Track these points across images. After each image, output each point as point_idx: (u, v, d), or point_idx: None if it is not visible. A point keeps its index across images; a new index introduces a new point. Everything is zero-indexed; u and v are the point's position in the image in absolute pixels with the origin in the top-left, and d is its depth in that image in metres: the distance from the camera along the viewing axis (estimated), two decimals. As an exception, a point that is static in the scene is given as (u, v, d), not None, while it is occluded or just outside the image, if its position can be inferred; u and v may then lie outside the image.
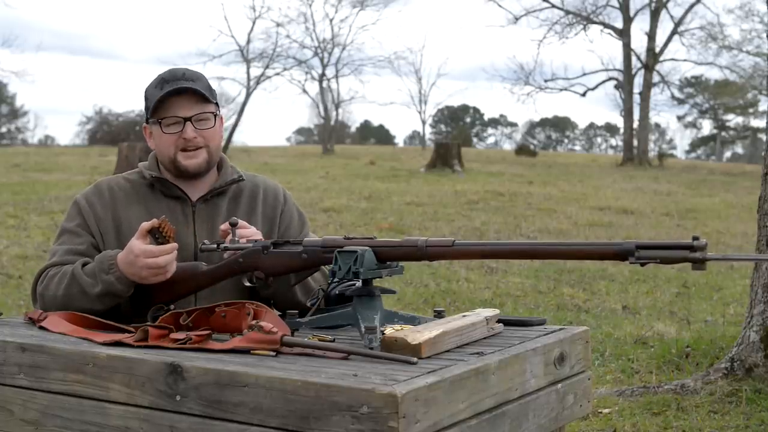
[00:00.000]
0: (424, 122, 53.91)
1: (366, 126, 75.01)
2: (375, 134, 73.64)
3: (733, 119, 53.77)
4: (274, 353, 1.72)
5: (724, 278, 8.02)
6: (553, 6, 32.75)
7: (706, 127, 62.32)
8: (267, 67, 35.79)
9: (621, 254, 1.72)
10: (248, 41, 35.58)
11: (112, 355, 1.74)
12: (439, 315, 2.00)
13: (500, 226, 11.60)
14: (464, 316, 1.92)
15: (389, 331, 1.77)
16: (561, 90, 35.07)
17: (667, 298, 7.10)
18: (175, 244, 2.08)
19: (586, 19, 32.91)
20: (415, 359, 1.62)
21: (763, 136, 7.59)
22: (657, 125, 65.08)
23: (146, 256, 2.04)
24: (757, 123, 50.99)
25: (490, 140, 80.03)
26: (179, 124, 2.25)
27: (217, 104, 2.33)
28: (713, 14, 55.89)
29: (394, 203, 13.89)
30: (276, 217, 2.39)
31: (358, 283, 1.94)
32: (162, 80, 2.27)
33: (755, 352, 4.15)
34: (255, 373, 1.56)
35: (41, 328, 2.04)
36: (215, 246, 2.11)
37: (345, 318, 1.91)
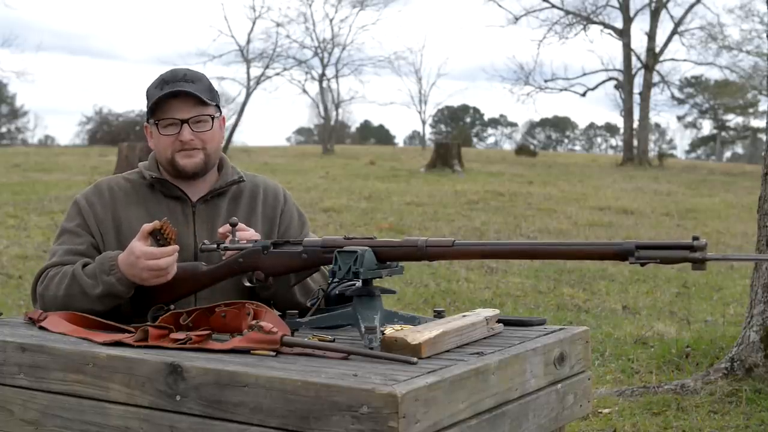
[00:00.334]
0: (424, 122, 53.97)
1: (366, 126, 75.02)
2: (375, 134, 73.64)
3: (733, 119, 53.83)
4: (274, 353, 1.72)
5: (724, 278, 8.02)
6: (553, 6, 32.76)
7: (706, 127, 62.38)
8: (267, 67, 35.83)
9: (621, 254, 1.72)
10: (248, 41, 35.61)
11: (112, 355, 1.74)
12: (439, 315, 2.00)
13: (500, 226, 11.60)
14: (464, 316, 1.92)
15: (389, 331, 1.77)
16: (561, 90, 35.09)
17: (667, 298, 7.10)
18: (176, 246, 2.08)
19: (586, 19, 32.91)
20: (415, 359, 1.62)
21: (763, 136, 7.59)
22: (657, 125, 65.15)
23: (147, 257, 2.04)
24: (757, 123, 51.05)
25: (490, 140, 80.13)
26: (176, 125, 2.25)
27: (218, 105, 2.33)
28: (713, 14, 56.04)
29: (394, 203, 13.89)
30: (276, 218, 2.39)
31: (358, 283, 1.94)
32: (162, 81, 2.26)
33: (755, 352, 4.15)
34: (255, 373, 1.56)
35: (41, 328, 2.04)
36: (215, 246, 2.11)
37: (345, 318, 1.91)
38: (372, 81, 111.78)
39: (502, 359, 1.71)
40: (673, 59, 35.00)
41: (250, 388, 1.56)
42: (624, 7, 31.84)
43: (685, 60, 48.55)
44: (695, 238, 1.67)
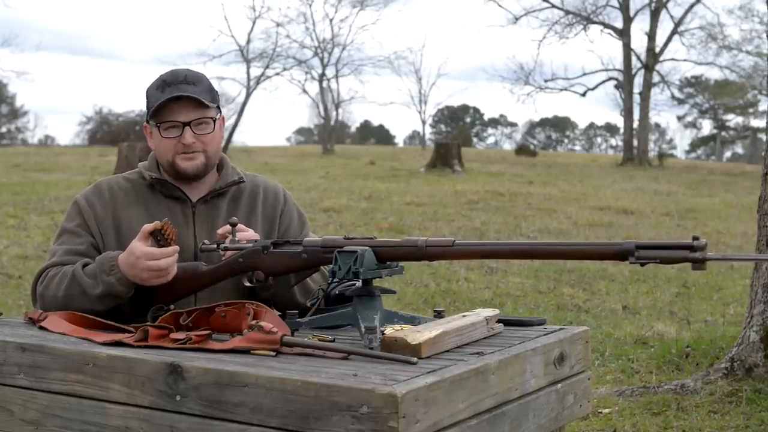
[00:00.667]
0: (424, 122, 53.99)
1: (366, 126, 75.02)
2: (375, 134, 73.64)
3: (733, 119, 53.81)
4: (274, 353, 1.72)
5: (724, 278, 8.02)
6: (553, 6, 32.76)
7: (706, 127, 62.37)
8: (267, 67, 35.83)
9: (621, 254, 1.72)
10: (248, 41, 35.63)
11: (112, 355, 1.74)
12: (439, 315, 2.00)
13: (500, 226, 11.60)
14: (464, 316, 1.92)
15: (389, 331, 1.77)
16: (561, 90, 35.10)
17: (667, 298, 7.10)
18: (176, 247, 2.08)
19: (586, 19, 32.91)
20: (415, 359, 1.62)
21: (763, 136, 7.59)
22: (657, 125, 65.16)
23: (147, 258, 2.04)
24: (757, 123, 51.02)
25: (490, 140, 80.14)
26: (178, 128, 2.25)
27: (218, 106, 2.33)
28: (713, 14, 56.00)
29: (394, 203, 13.89)
30: (276, 218, 2.39)
31: (358, 283, 1.94)
32: (163, 82, 2.26)
33: (755, 352, 4.15)
34: (255, 373, 1.56)
35: (41, 328, 2.04)
36: (215, 246, 2.11)
37: (345, 318, 1.91)
38: (372, 81, 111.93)
39: (502, 359, 1.71)
40: (673, 59, 35.06)
41: (250, 388, 1.56)
42: (624, 7, 31.84)
43: (685, 60, 48.57)
44: (695, 238, 1.67)
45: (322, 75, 40.66)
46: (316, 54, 39.54)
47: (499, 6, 44.31)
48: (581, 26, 33.10)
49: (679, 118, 56.10)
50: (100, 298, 2.11)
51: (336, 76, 41.70)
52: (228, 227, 2.13)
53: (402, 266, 1.94)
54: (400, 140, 78.02)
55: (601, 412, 3.93)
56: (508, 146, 70.31)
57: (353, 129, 68.96)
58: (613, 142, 75.93)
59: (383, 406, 1.43)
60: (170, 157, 2.27)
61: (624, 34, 31.96)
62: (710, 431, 3.68)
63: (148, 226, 2.07)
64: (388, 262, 1.91)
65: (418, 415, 1.46)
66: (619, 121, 47.19)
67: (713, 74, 64.87)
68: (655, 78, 33.18)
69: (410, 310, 5.72)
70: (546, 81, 34.89)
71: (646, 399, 4.07)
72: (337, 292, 2.17)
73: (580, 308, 6.68)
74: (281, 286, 2.13)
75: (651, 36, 32.10)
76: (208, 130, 2.28)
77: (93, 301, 2.11)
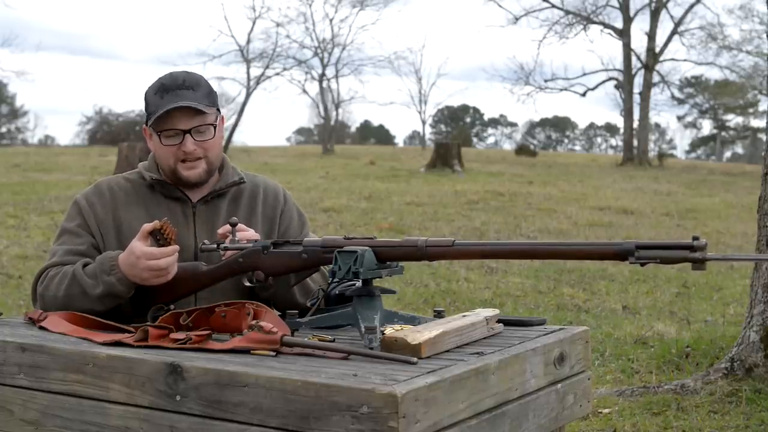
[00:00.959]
0: (424, 122, 54.00)
1: (366, 126, 75.02)
2: (375, 134, 73.64)
3: (733, 119, 53.84)
4: (274, 353, 1.72)
5: (724, 278, 8.02)
6: (553, 6, 32.77)
7: (706, 127, 62.38)
8: (267, 67, 35.83)
9: (621, 254, 1.72)
10: (248, 41, 35.63)
11: (112, 355, 1.74)
12: (439, 315, 2.00)
13: (500, 226, 11.60)
14: (464, 316, 1.92)
15: (389, 331, 1.77)
16: (561, 90, 35.10)
17: (667, 298, 7.10)
18: (176, 246, 2.08)
19: (586, 19, 32.91)
20: (415, 359, 1.62)
21: (763, 136, 7.59)
22: (657, 125, 65.16)
23: (147, 258, 2.04)
24: (757, 123, 51.06)
25: (490, 140, 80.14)
26: (179, 136, 2.24)
27: (218, 108, 2.32)
28: (713, 14, 56.00)
29: (394, 203, 13.89)
30: (276, 218, 2.38)
31: (358, 283, 1.94)
32: (162, 86, 2.24)
33: (755, 352, 4.15)
34: (255, 373, 1.56)
35: (41, 328, 2.04)
36: (215, 246, 2.11)
37: (345, 318, 1.91)
38: (372, 81, 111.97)
39: (502, 359, 1.71)
40: (673, 59, 35.07)
41: (250, 388, 1.56)
42: (624, 7, 31.84)
43: (685, 60, 48.58)
44: (695, 238, 1.67)
45: (322, 75, 40.69)
46: (316, 54, 39.58)
47: (499, 6, 44.43)
48: (581, 26, 33.13)
49: (679, 118, 56.17)
50: (100, 298, 2.11)
51: (336, 76, 41.74)
52: (228, 227, 2.12)
53: (402, 266, 1.94)
54: (400, 140, 78.12)
55: (601, 412, 3.93)
56: (508, 146, 70.38)
57: (353, 129, 69.03)
58: (613, 142, 76.01)
59: (383, 406, 1.43)
60: (172, 164, 2.27)
61: (624, 34, 31.96)
62: (710, 431, 3.68)
63: (147, 226, 2.07)
64: (388, 262, 1.91)
65: (418, 415, 1.46)
66: (619, 121, 47.19)
67: (713, 74, 64.99)
68: (655, 78, 33.20)
69: (410, 310, 5.72)
70: (546, 81, 34.93)
71: (646, 399, 4.07)
72: (337, 292, 2.17)
73: (580, 308, 6.68)
74: (281, 286, 2.13)
75: (651, 36, 32.11)
76: (208, 136, 2.27)
77: (93, 301, 2.11)
